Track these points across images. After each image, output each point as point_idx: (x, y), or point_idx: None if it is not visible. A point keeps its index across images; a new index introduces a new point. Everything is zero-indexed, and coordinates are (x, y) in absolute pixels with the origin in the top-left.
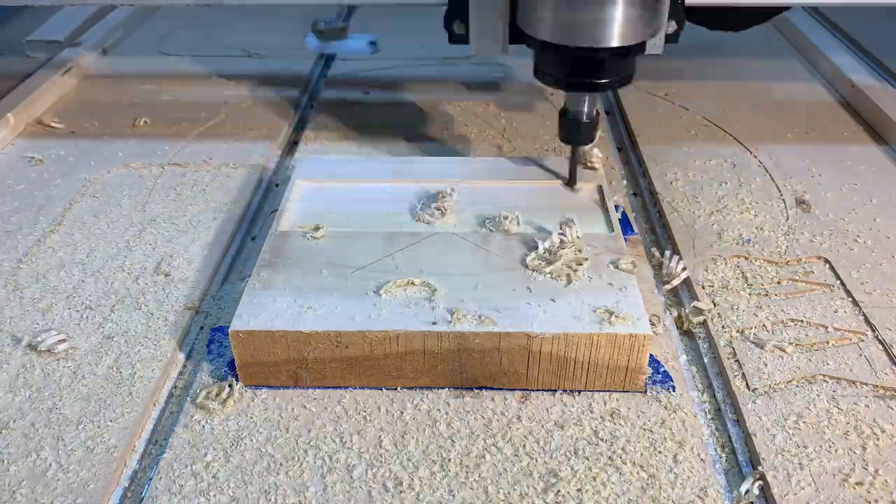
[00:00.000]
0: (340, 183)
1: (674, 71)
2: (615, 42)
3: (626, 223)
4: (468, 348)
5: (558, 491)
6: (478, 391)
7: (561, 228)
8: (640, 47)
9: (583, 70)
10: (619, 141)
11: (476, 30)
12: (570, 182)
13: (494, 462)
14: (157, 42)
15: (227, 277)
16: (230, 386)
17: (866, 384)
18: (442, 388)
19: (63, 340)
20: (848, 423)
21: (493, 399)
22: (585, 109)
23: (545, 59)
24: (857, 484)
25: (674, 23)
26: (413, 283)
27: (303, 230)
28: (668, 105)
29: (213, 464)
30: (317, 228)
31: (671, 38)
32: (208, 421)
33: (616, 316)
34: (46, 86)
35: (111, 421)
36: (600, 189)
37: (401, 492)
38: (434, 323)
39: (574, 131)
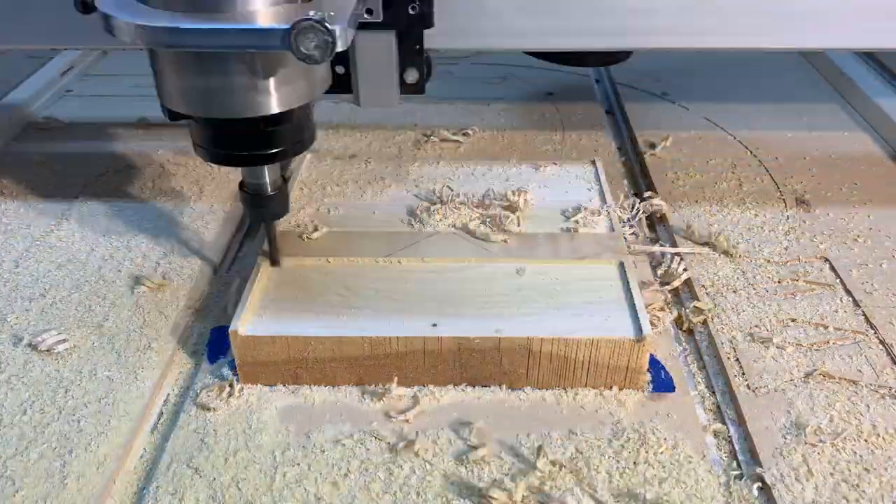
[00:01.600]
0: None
1: (674, 70)
2: (267, 110)
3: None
4: (468, 348)
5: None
6: (480, 389)
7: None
8: (302, 111)
9: (245, 142)
10: (619, 141)
11: None
12: (272, 261)
13: (495, 460)
14: None
15: (228, 277)
16: (230, 385)
17: (866, 384)
18: (442, 385)
19: (63, 340)
20: (848, 423)
21: (494, 397)
22: (268, 179)
23: (194, 130)
24: (858, 484)
25: (415, 71)
26: (414, 285)
27: (300, 230)
28: (668, 104)
29: (215, 463)
30: (315, 229)
31: (416, 89)
32: (209, 420)
33: (616, 316)
34: (47, 85)
35: (112, 420)
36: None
37: (403, 486)
38: (435, 325)
39: (257, 206)
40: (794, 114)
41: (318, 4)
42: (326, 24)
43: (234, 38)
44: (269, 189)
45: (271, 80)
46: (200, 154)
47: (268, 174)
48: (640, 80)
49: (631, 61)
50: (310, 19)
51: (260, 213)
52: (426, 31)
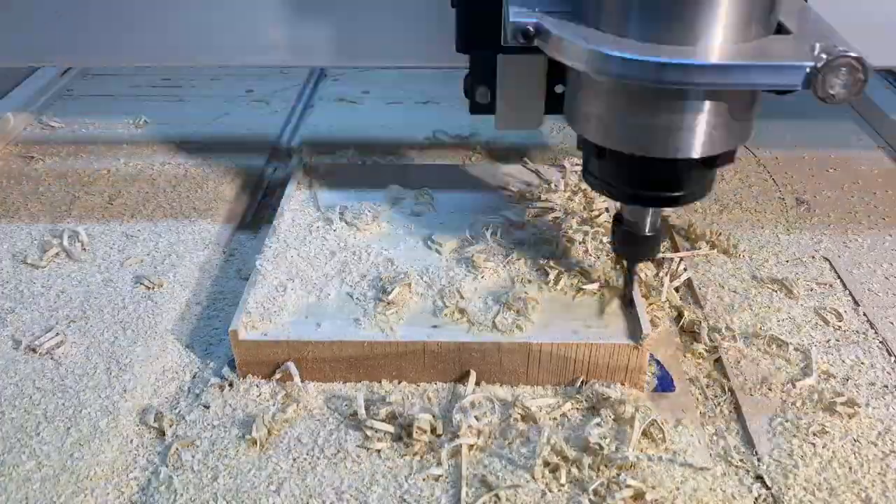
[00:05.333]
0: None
1: None
2: (699, 152)
3: None
4: (468, 348)
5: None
6: (478, 386)
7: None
8: (725, 156)
9: (654, 183)
10: None
11: (504, 98)
12: (625, 301)
13: (494, 458)
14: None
15: (227, 275)
16: (230, 384)
17: (866, 384)
18: (443, 384)
19: (63, 341)
20: (848, 422)
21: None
22: (648, 220)
23: (599, 163)
24: (858, 483)
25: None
26: (414, 289)
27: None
28: None
29: (215, 459)
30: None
31: None
32: (210, 417)
33: (616, 316)
34: (47, 85)
35: (113, 419)
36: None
37: (403, 483)
38: (435, 327)
39: (630, 244)
40: (794, 113)
41: (803, 36)
42: (864, 61)
43: (747, 75)
44: (646, 230)
45: (714, 121)
46: (591, 183)
47: (651, 215)
48: None
49: None
50: (847, 55)
51: (630, 251)
52: None
